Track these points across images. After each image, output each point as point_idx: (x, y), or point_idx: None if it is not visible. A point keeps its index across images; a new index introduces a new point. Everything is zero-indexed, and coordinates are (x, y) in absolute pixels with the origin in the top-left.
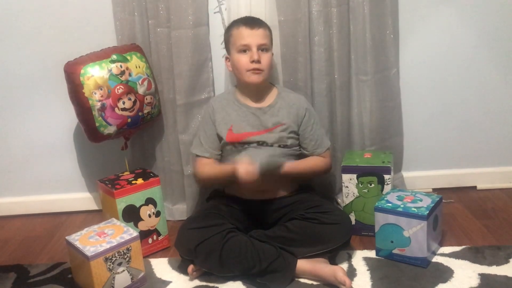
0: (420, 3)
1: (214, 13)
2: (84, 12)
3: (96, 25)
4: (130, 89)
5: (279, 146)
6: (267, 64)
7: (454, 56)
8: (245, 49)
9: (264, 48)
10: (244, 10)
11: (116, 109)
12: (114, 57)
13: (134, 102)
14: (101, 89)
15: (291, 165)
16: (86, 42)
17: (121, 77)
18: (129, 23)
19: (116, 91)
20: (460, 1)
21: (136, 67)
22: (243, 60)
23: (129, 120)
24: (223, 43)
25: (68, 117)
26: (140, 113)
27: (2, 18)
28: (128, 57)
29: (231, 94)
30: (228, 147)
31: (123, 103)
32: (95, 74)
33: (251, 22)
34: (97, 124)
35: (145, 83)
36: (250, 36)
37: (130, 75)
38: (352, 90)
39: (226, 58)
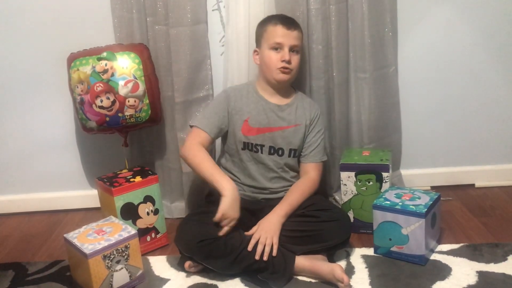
0: (418, 0)
1: (213, 10)
2: (82, 9)
3: (94, 22)
4: (110, 89)
5: (289, 153)
6: (296, 65)
7: (452, 54)
8: (277, 47)
9: (295, 49)
10: (243, 8)
11: (93, 105)
12: (104, 54)
13: (113, 102)
14: (82, 84)
15: (284, 209)
16: (85, 39)
17: (102, 75)
18: (127, 21)
19: (95, 89)
20: None
21: (123, 67)
22: (274, 57)
23: (107, 119)
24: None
25: (67, 115)
26: (120, 114)
27: (1, 15)
28: (118, 56)
29: (251, 86)
30: (239, 147)
31: (101, 101)
32: (80, 69)
33: (289, 22)
34: (79, 117)
35: (129, 85)
36: (285, 36)
37: (113, 74)
38: (350, 87)
39: (255, 51)
